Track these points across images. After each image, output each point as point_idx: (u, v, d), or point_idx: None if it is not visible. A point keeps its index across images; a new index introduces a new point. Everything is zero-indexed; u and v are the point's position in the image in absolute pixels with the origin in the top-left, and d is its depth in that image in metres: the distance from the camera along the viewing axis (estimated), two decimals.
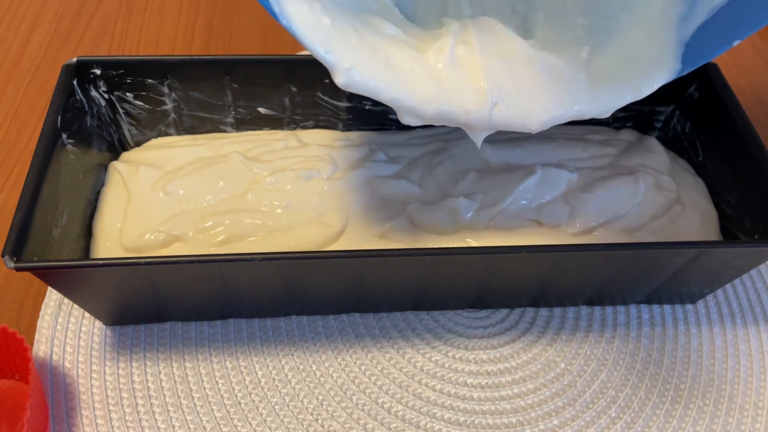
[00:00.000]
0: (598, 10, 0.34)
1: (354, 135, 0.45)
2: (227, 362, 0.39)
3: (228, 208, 0.39)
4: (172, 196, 0.40)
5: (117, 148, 0.43)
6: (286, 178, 0.40)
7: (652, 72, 0.32)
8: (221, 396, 0.37)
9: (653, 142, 0.45)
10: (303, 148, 0.43)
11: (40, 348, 0.38)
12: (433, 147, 0.44)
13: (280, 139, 0.44)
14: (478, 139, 0.33)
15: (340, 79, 0.29)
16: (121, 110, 0.42)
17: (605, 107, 0.32)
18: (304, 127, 0.45)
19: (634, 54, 0.32)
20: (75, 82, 0.39)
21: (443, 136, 0.44)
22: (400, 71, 0.31)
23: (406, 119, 0.32)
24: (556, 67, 0.32)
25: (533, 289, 0.39)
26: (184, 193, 0.40)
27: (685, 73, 0.32)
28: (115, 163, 0.42)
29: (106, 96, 0.41)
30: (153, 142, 0.44)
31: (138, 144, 0.44)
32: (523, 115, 0.32)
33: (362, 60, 0.30)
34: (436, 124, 0.32)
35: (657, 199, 0.41)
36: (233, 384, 0.38)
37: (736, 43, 0.30)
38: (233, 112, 0.44)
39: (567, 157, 0.43)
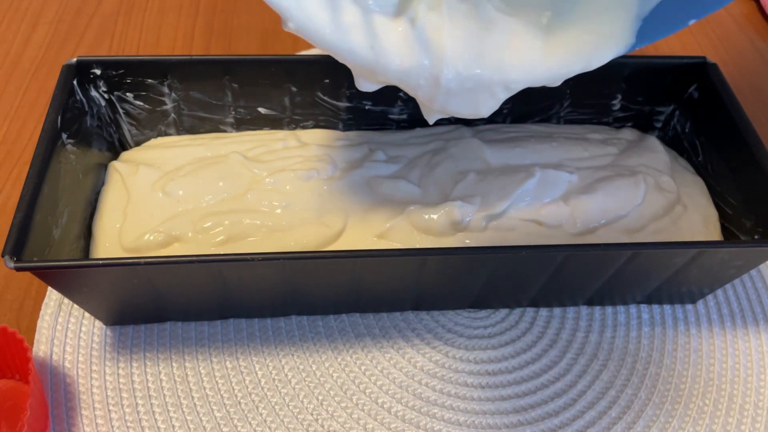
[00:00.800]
0: None
1: (353, 134, 0.45)
2: (227, 362, 0.39)
3: (227, 208, 0.39)
4: (172, 196, 0.40)
5: (117, 148, 0.44)
6: (285, 178, 0.40)
7: (605, 44, 0.31)
8: (221, 396, 0.37)
9: (654, 142, 0.45)
10: (302, 148, 0.43)
11: (40, 348, 0.38)
12: (433, 146, 0.43)
13: (280, 139, 0.44)
14: (431, 119, 0.33)
15: (291, 25, 0.28)
16: (121, 110, 0.42)
17: (554, 77, 0.32)
18: (304, 127, 0.45)
19: (592, 24, 0.31)
20: (75, 82, 0.39)
21: (442, 136, 0.44)
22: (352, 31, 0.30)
23: (359, 85, 0.31)
24: (514, 33, 0.31)
25: (533, 289, 0.39)
26: (184, 193, 0.40)
27: (636, 49, 0.31)
28: (114, 163, 0.42)
29: (106, 96, 0.41)
30: (153, 141, 0.44)
31: (138, 144, 0.44)
32: (474, 106, 0.32)
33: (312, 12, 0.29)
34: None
35: (658, 200, 0.41)
36: (233, 384, 0.38)
37: (691, 22, 0.30)
38: (233, 112, 0.44)
39: (567, 156, 0.43)
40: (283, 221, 0.39)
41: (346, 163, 0.42)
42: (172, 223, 0.38)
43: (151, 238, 0.38)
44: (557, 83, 0.32)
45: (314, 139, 0.44)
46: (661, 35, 0.31)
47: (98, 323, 0.39)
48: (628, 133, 0.46)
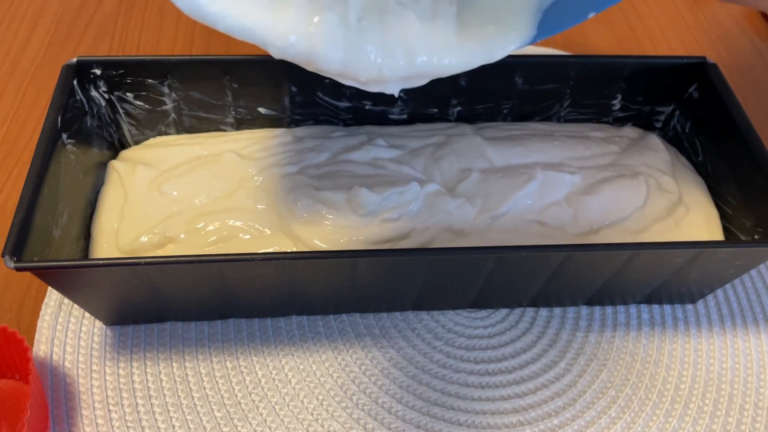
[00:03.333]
0: None
1: (352, 128, 0.45)
2: (227, 362, 0.39)
3: (218, 208, 0.39)
4: (167, 196, 0.39)
5: (117, 148, 0.43)
6: (274, 174, 0.40)
7: (506, 36, 0.31)
8: (221, 396, 0.37)
9: (655, 140, 0.45)
10: (297, 143, 0.43)
11: (40, 348, 0.38)
12: (435, 140, 0.43)
13: (276, 136, 0.44)
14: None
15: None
16: (121, 110, 0.42)
17: (456, 68, 0.32)
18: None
19: (494, 17, 0.32)
20: (75, 82, 0.39)
21: (444, 131, 0.44)
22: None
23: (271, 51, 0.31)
24: (429, 29, 0.31)
25: (533, 289, 0.39)
26: (178, 194, 0.40)
27: (538, 41, 0.32)
28: (113, 162, 0.42)
29: (106, 96, 0.41)
30: (151, 140, 0.44)
31: (138, 144, 0.44)
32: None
33: None
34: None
35: (660, 202, 0.41)
36: (233, 384, 0.38)
37: (591, 15, 0.30)
38: (233, 112, 0.44)
39: (569, 155, 0.43)
40: (266, 219, 0.39)
41: (341, 149, 0.42)
42: (167, 224, 0.38)
43: (146, 239, 0.38)
44: (458, 71, 0.32)
45: (309, 134, 0.44)
46: (561, 28, 0.31)
47: (98, 323, 0.39)
48: (630, 131, 0.46)
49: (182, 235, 0.38)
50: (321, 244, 0.37)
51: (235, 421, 0.36)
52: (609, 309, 0.42)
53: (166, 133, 0.44)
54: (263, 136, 0.44)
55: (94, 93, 0.41)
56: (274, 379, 0.38)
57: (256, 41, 0.29)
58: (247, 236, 0.38)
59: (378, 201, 0.38)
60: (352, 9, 0.30)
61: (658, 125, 0.47)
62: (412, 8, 0.31)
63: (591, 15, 0.30)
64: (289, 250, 0.38)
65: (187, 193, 0.40)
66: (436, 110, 0.45)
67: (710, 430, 0.38)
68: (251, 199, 0.39)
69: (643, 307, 0.42)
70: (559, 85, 0.44)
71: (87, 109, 0.40)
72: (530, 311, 0.42)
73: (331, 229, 0.38)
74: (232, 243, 0.38)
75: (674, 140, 0.46)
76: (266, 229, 0.38)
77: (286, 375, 0.38)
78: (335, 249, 0.37)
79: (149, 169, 0.41)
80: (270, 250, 0.38)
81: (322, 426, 0.37)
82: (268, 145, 0.43)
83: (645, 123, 0.47)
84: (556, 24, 0.31)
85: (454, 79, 0.33)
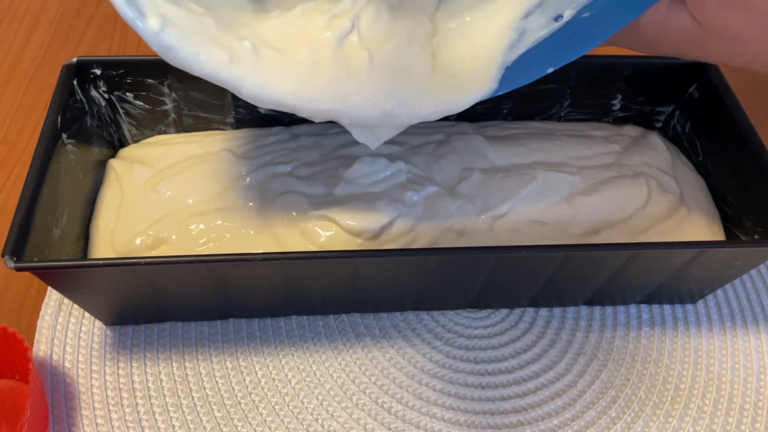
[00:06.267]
0: (440, 31, 0.35)
1: None
2: (227, 362, 0.39)
3: (210, 207, 0.39)
4: (161, 196, 0.39)
5: (117, 147, 0.43)
6: (266, 174, 0.40)
7: (469, 90, 0.33)
8: (221, 396, 0.37)
9: (656, 139, 0.45)
10: (293, 140, 0.43)
11: (40, 348, 0.38)
12: (436, 138, 0.43)
13: (273, 134, 0.44)
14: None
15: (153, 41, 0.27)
16: (121, 110, 0.42)
17: (418, 118, 0.33)
18: None
19: (459, 72, 0.33)
20: (75, 82, 0.39)
21: (444, 129, 0.44)
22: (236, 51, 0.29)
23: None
24: (405, 75, 0.33)
25: (533, 289, 0.39)
26: (172, 193, 0.39)
27: (499, 94, 0.33)
28: (112, 161, 0.42)
29: (106, 96, 0.41)
30: (150, 139, 0.44)
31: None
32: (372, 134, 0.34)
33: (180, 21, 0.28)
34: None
35: (661, 203, 0.41)
36: (233, 384, 0.38)
37: (550, 70, 0.32)
38: (233, 112, 0.44)
39: (571, 155, 0.43)
40: (253, 220, 0.38)
41: (338, 145, 0.42)
42: (160, 225, 0.38)
43: (140, 241, 0.37)
44: (420, 121, 0.34)
45: (307, 131, 0.44)
46: (523, 81, 0.32)
47: (98, 323, 0.39)
48: (631, 130, 0.46)
49: (174, 236, 0.38)
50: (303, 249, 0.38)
51: (235, 421, 0.36)
52: (609, 309, 0.42)
53: (166, 133, 0.44)
54: (260, 134, 0.44)
55: (94, 93, 0.41)
56: (274, 379, 0.38)
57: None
58: (235, 237, 0.38)
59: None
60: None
61: (659, 125, 0.47)
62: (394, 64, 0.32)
63: (550, 70, 0.32)
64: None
65: (181, 192, 0.40)
66: None
67: (710, 430, 0.38)
68: (241, 199, 0.39)
69: (643, 307, 0.42)
70: (559, 85, 0.44)
71: (87, 108, 0.40)
72: (530, 311, 0.42)
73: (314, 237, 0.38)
74: (222, 243, 0.38)
75: (674, 140, 0.46)
76: (252, 231, 0.38)
77: (286, 375, 0.38)
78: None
79: (146, 168, 0.41)
80: (256, 251, 0.38)
81: (322, 426, 0.37)
82: (264, 144, 0.43)
83: (645, 123, 0.47)
84: (517, 78, 0.33)
85: None
